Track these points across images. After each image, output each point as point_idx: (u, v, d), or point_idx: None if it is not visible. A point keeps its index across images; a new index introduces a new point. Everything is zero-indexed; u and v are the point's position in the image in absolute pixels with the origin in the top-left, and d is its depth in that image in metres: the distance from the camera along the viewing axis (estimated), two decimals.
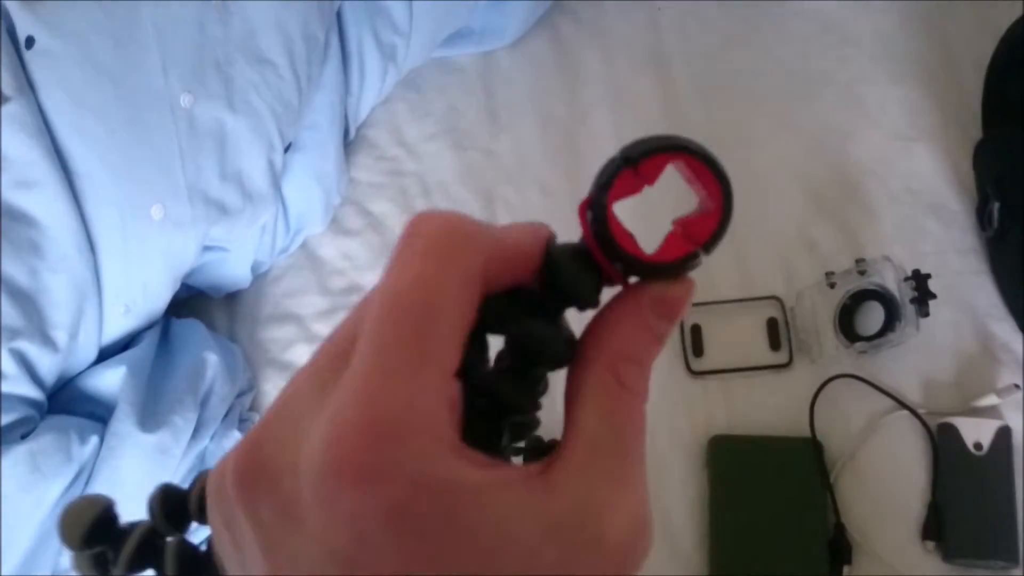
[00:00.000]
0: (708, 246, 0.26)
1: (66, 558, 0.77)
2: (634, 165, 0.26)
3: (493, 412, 0.26)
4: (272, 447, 0.23)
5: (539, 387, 0.29)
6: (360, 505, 0.20)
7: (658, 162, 0.27)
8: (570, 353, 0.27)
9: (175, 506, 0.30)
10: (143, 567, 0.30)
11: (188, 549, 0.30)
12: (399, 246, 0.23)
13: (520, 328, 0.26)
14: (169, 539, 0.30)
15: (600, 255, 0.26)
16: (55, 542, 0.77)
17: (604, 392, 0.25)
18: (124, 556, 0.30)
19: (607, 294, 0.27)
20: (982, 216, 0.92)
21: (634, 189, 0.27)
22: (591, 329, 0.26)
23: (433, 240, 0.23)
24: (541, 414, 0.30)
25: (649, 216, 0.30)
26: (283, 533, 0.22)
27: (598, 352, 0.25)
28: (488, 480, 0.22)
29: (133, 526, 0.31)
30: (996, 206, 0.88)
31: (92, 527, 0.30)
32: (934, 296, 0.84)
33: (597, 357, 0.25)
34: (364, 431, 0.20)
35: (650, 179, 0.27)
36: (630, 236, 0.26)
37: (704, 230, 0.27)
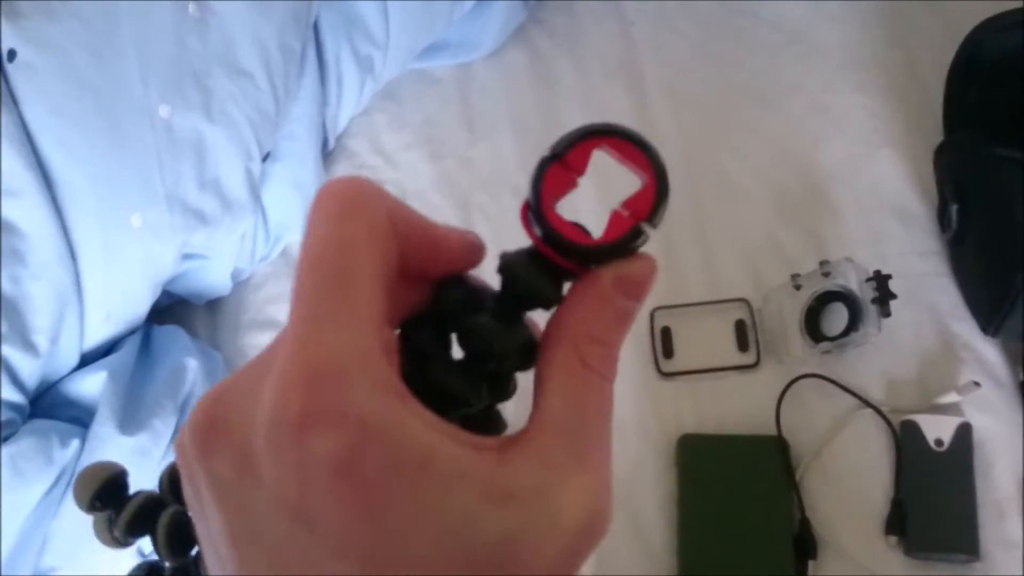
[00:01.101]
0: (651, 218, 0.26)
1: (48, 558, 0.79)
2: (560, 159, 0.27)
3: (441, 402, 0.25)
4: (228, 403, 0.23)
5: (496, 385, 0.29)
6: (306, 453, 0.20)
7: (582, 150, 0.27)
8: (527, 355, 0.27)
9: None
10: (141, 533, 0.32)
11: (182, 520, 0.31)
12: (310, 211, 0.24)
13: (468, 324, 0.27)
14: (167, 510, 0.32)
15: (551, 254, 0.26)
16: (36, 543, 0.79)
17: (568, 373, 0.25)
18: (123, 520, 0.32)
19: None
20: (942, 218, 0.95)
21: (568, 183, 0.27)
22: (557, 312, 0.26)
23: (337, 200, 0.23)
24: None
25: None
26: (237, 485, 0.22)
27: (562, 334, 0.25)
28: (436, 434, 0.22)
29: (138, 494, 0.33)
30: (955, 208, 0.90)
31: (100, 490, 0.32)
32: (895, 296, 0.86)
33: (561, 339, 0.25)
34: (301, 378, 0.21)
35: (579, 169, 0.27)
36: (575, 227, 0.27)
37: (645, 205, 0.27)
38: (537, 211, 0.26)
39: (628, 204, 0.27)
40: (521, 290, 0.27)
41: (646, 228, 0.26)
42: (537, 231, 0.27)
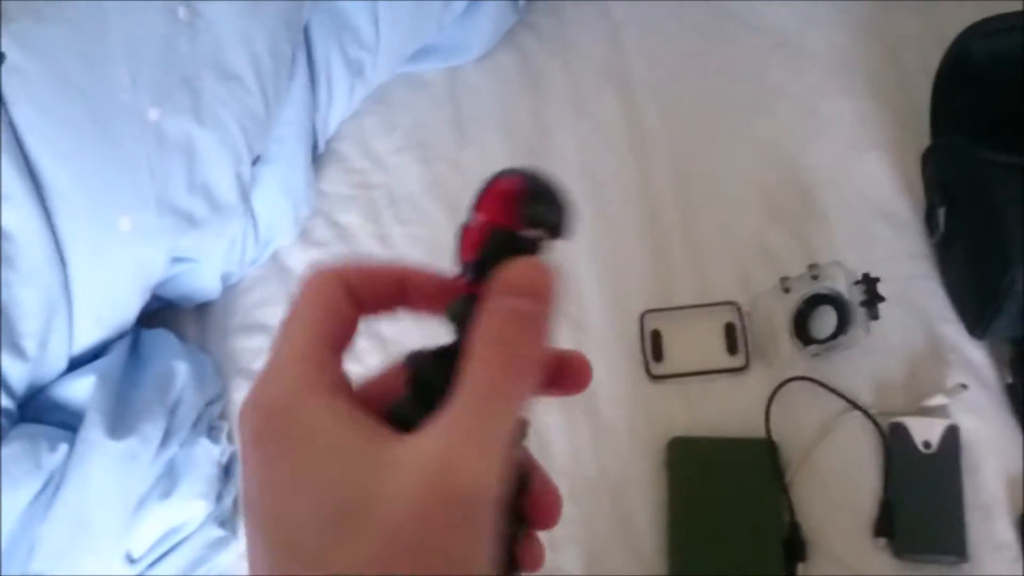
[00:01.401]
0: (522, 216, 0.29)
1: (36, 562, 0.78)
2: (474, 215, 0.30)
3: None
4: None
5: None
6: (243, 431, 0.29)
7: (487, 200, 0.29)
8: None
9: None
10: None
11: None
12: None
13: (415, 363, 0.30)
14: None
15: (468, 287, 0.29)
16: (24, 548, 0.78)
17: (474, 368, 0.28)
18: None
19: None
20: (930, 222, 0.95)
21: (484, 227, 0.29)
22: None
23: (303, 279, 0.31)
24: None
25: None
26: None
27: (473, 337, 0.28)
28: (330, 418, 0.28)
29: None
30: (942, 212, 0.91)
31: None
32: (883, 299, 0.87)
33: (472, 341, 0.28)
34: (255, 382, 0.29)
35: (487, 207, 0.29)
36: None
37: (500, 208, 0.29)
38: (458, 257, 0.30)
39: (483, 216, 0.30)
40: (448, 316, 0.30)
41: (504, 225, 0.29)
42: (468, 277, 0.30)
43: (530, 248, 0.29)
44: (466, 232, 0.29)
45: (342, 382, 0.30)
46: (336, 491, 0.26)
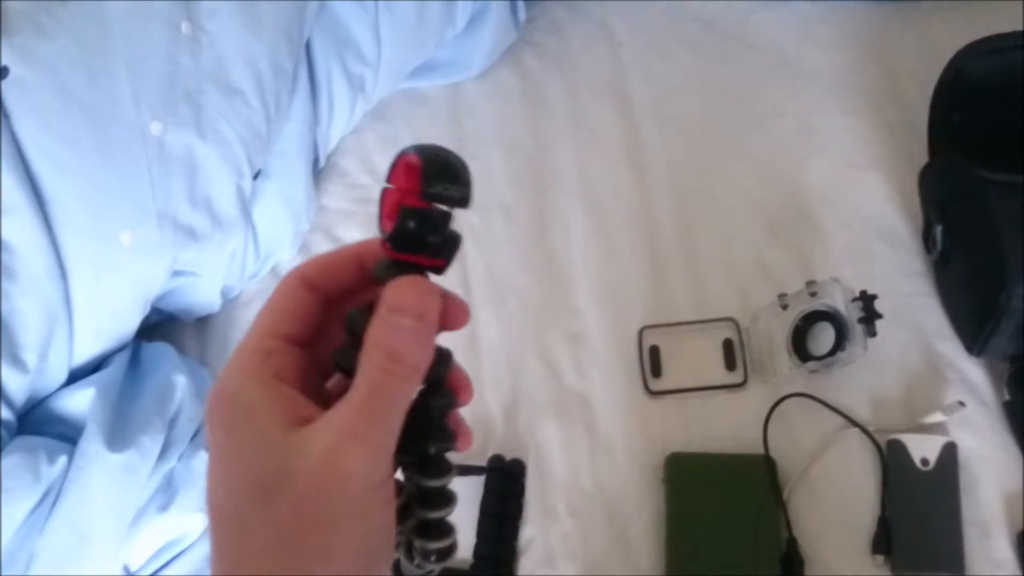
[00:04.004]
0: (426, 196, 0.32)
1: (35, 575, 0.78)
2: (387, 182, 0.34)
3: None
4: None
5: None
6: (206, 412, 0.34)
7: (397, 170, 0.33)
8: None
9: None
10: None
11: None
12: None
13: (350, 315, 0.35)
14: None
15: (392, 253, 0.34)
16: (23, 561, 0.78)
17: (360, 365, 0.33)
18: None
19: None
20: (927, 239, 0.96)
21: (401, 198, 0.33)
22: None
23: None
24: None
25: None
26: None
27: (366, 337, 0.33)
28: (266, 400, 0.33)
29: None
30: (939, 230, 0.91)
31: None
32: (880, 316, 0.87)
33: (365, 341, 0.33)
34: (220, 371, 0.35)
35: (401, 184, 0.33)
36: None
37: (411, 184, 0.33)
38: (379, 225, 0.34)
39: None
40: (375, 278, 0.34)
41: (413, 204, 0.32)
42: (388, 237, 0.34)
43: (437, 220, 0.33)
44: (385, 197, 0.33)
45: (285, 368, 0.34)
46: (260, 465, 0.31)
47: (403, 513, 0.36)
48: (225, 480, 0.33)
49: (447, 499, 0.37)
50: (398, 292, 0.33)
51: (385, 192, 0.33)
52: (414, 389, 0.34)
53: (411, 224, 0.33)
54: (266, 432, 0.32)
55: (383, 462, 0.32)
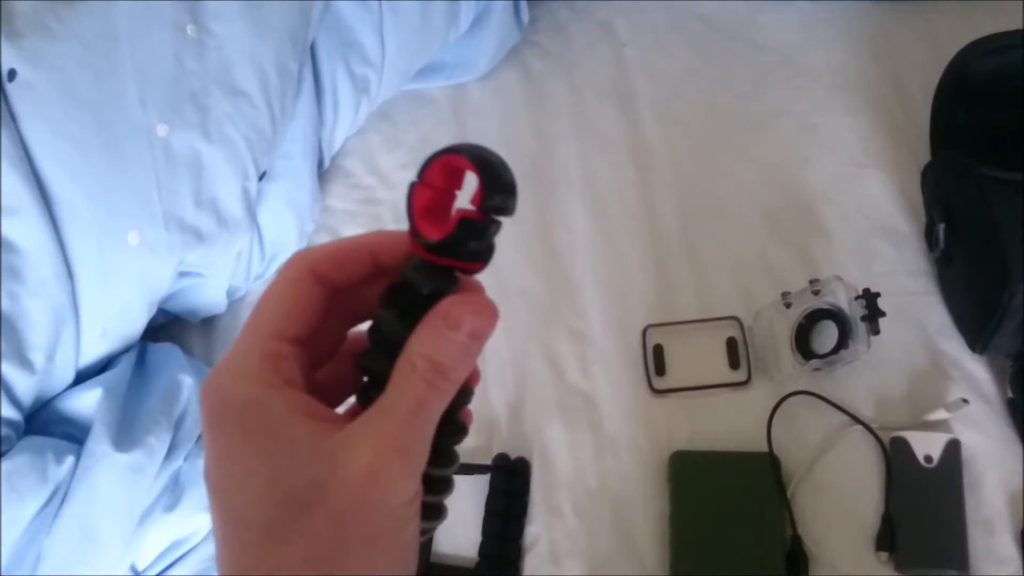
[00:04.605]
0: (482, 207, 0.31)
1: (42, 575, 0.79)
2: (420, 180, 0.32)
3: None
4: None
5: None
6: (204, 408, 0.33)
7: (434, 168, 0.32)
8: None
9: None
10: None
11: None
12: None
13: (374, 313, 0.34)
14: None
15: (424, 254, 0.32)
16: (30, 561, 0.79)
17: (400, 374, 0.32)
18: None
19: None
20: (929, 237, 0.96)
21: (435, 196, 0.33)
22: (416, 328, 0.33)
23: (283, 265, 0.35)
24: None
25: None
26: None
27: (409, 345, 0.32)
28: (283, 407, 0.32)
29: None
30: (942, 228, 0.92)
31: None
32: (883, 314, 0.87)
33: (408, 348, 0.32)
34: (220, 365, 0.33)
35: (436, 182, 0.32)
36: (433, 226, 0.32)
37: (475, 200, 0.31)
38: (411, 223, 0.33)
39: (470, 210, 0.32)
40: (410, 281, 0.33)
41: (474, 217, 0.31)
42: (418, 241, 0.32)
43: (493, 232, 0.33)
44: (416, 193, 0.32)
45: (297, 375, 0.33)
46: (291, 476, 0.31)
47: None
48: (250, 489, 0.31)
49: (447, 485, 0.37)
50: (459, 307, 0.32)
51: (416, 188, 0.32)
52: (451, 396, 0.33)
53: (468, 236, 0.32)
54: (293, 443, 0.31)
55: (420, 474, 0.32)
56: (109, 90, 0.81)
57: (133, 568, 0.86)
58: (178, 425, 0.89)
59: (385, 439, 0.31)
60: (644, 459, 0.93)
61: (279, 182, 1.03)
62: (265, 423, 0.31)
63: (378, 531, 0.31)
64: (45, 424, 0.85)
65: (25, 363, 0.80)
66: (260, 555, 0.31)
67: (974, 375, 0.92)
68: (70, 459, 0.81)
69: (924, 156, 1.00)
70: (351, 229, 1.12)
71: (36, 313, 0.80)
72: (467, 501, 0.91)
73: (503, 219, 0.32)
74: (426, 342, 0.32)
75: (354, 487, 0.30)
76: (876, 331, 0.87)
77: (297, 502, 0.30)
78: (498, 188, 0.31)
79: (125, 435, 0.85)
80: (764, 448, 0.90)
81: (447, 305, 0.32)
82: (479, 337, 0.33)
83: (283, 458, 0.31)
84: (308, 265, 0.34)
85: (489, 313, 0.33)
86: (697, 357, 0.97)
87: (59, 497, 0.80)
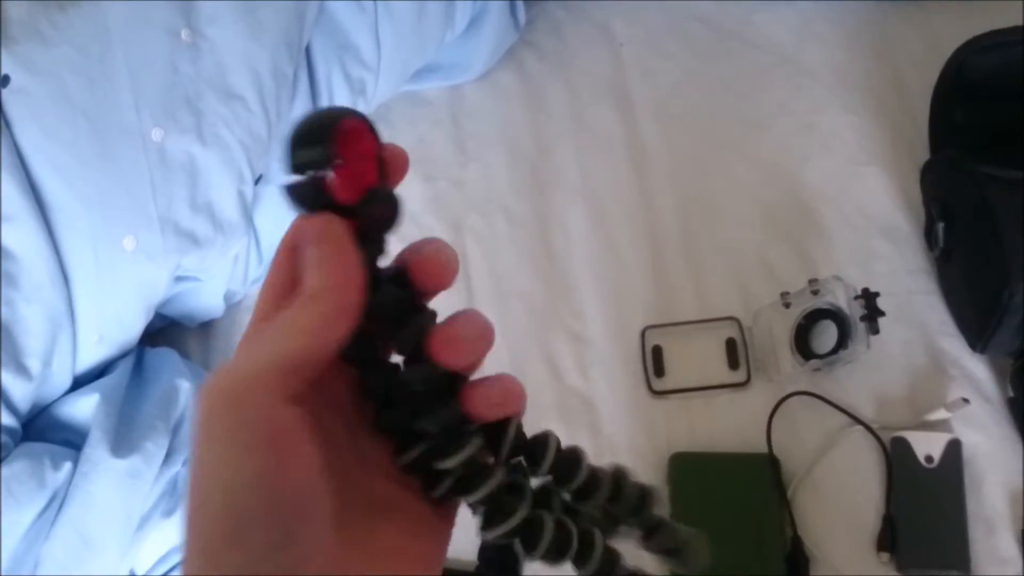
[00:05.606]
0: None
1: None
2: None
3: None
4: None
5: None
6: (209, 412, 0.30)
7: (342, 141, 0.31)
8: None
9: None
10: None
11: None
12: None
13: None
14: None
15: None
16: (28, 566, 0.78)
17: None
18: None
19: None
20: (929, 236, 0.96)
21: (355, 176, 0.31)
22: None
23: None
24: None
25: None
26: None
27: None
28: (272, 402, 0.30)
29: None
30: (941, 226, 0.91)
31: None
32: (883, 313, 0.87)
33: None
34: (232, 368, 0.30)
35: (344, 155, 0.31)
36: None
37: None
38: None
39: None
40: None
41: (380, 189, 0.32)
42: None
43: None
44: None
45: (307, 393, 0.31)
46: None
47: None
48: (236, 503, 0.29)
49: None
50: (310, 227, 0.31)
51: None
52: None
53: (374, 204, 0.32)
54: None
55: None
56: (103, 95, 0.80)
57: (132, 574, 0.86)
58: (176, 430, 0.89)
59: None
60: (644, 461, 0.93)
61: (275, 185, 1.03)
62: (273, 442, 0.30)
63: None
64: (42, 430, 0.85)
65: (22, 369, 0.80)
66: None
67: (974, 374, 0.91)
68: (68, 465, 0.81)
69: (923, 154, 0.99)
70: None
71: (32, 319, 0.80)
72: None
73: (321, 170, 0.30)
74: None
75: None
76: (876, 331, 0.87)
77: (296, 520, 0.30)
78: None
79: (123, 440, 0.85)
80: (764, 449, 0.90)
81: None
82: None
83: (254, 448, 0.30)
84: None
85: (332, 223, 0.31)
86: (696, 358, 0.97)
87: (57, 503, 0.80)
